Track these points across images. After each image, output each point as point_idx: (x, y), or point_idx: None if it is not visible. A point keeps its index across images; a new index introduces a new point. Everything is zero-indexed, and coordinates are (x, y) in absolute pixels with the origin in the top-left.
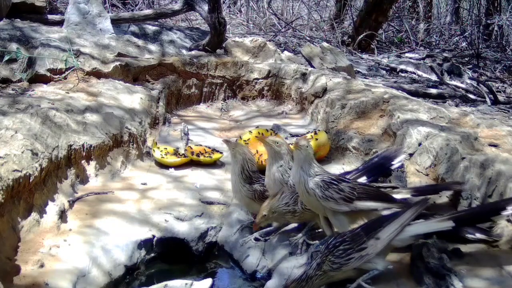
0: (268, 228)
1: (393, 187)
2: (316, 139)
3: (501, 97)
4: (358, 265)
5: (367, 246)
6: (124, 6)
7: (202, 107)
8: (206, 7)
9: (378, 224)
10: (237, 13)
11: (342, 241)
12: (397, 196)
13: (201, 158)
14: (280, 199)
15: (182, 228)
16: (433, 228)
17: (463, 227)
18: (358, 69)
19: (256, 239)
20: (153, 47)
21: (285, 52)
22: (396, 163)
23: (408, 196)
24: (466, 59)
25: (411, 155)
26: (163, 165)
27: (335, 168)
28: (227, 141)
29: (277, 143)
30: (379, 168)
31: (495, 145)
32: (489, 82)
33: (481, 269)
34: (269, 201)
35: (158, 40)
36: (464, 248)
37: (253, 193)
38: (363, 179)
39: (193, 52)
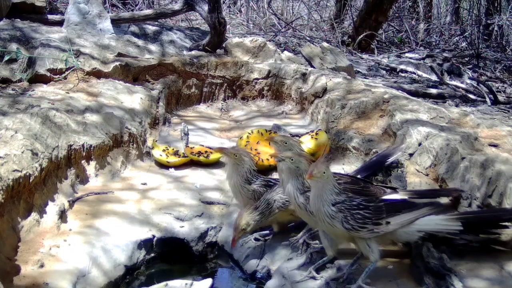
0: (268, 229)
1: (393, 189)
2: (316, 139)
3: (501, 97)
4: (359, 237)
5: (383, 223)
6: (124, 6)
7: (202, 107)
8: (206, 7)
9: (399, 208)
10: (237, 13)
11: (365, 207)
12: (396, 197)
13: (201, 158)
14: (252, 212)
15: (182, 228)
16: (441, 227)
17: (471, 232)
18: (358, 69)
19: (256, 239)
20: (153, 47)
21: (285, 52)
22: (389, 161)
23: (406, 197)
24: (466, 59)
25: (411, 155)
26: (163, 165)
27: (335, 168)
28: (222, 150)
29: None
30: (374, 166)
31: (495, 145)
32: (489, 82)
33: (481, 269)
34: (244, 214)
35: (158, 40)
36: (464, 248)
37: (253, 193)
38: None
39: (193, 52)
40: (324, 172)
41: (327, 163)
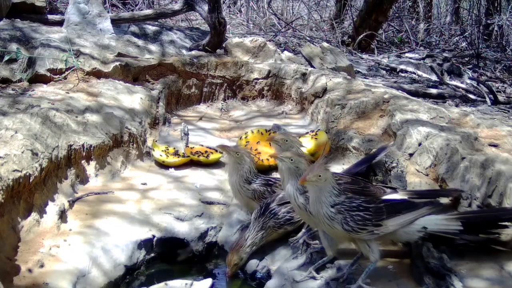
0: None
1: (393, 189)
2: (316, 139)
3: (501, 97)
4: (359, 238)
5: (383, 225)
6: (124, 6)
7: (202, 107)
8: (206, 7)
9: (399, 209)
10: (237, 13)
11: (365, 208)
12: (396, 197)
13: (201, 158)
14: (243, 245)
15: (182, 228)
16: (440, 227)
17: (471, 231)
18: (358, 69)
19: None
20: (153, 47)
21: (285, 52)
22: (376, 159)
23: (406, 197)
24: (466, 59)
25: (411, 155)
26: (163, 165)
27: (335, 168)
28: (224, 147)
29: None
30: (360, 165)
31: (495, 145)
32: (489, 82)
33: (481, 269)
34: (235, 249)
35: (158, 40)
36: (464, 248)
37: (253, 192)
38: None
39: (193, 52)
40: (320, 176)
41: (326, 165)
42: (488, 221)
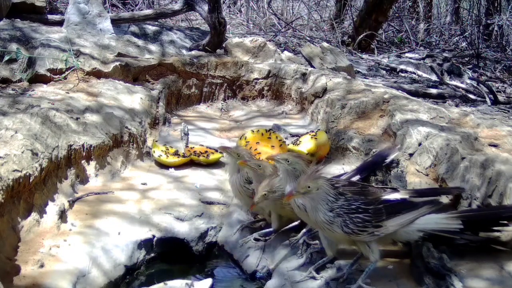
0: (268, 229)
1: (393, 189)
2: (316, 139)
3: (501, 97)
4: (360, 240)
5: (383, 226)
6: (124, 6)
7: (202, 107)
8: (206, 7)
9: (398, 209)
10: (237, 13)
11: (364, 210)
12: (396, 196)
13: (201, 158)
14: (279, 180)
15: (182, 228)
16: (441, 226)
17: (471, 230)
18: (358, 69)
19: (256, 239)
20: (153, 47)
21: (285, 52)
22: (388, 160)
23: (406, 197)
24: (466, 59)
25: (411, 155)
26: (163, 165)
27: (335, 168)
28: (225, 148)
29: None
30: (371, 166)
31: (495, 145)
32: (489, 82)
33: (481, 269)
34: (269, 181)
35: (158, 40)
36: (464, 248)
37: (253, 192)
38: (356, 178)
39: (193, 52)
40: (309, 187)
41: (316, 174)
42: (488, 219)
